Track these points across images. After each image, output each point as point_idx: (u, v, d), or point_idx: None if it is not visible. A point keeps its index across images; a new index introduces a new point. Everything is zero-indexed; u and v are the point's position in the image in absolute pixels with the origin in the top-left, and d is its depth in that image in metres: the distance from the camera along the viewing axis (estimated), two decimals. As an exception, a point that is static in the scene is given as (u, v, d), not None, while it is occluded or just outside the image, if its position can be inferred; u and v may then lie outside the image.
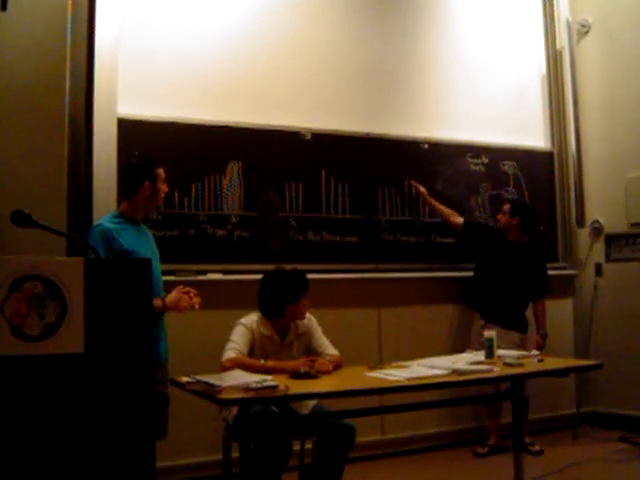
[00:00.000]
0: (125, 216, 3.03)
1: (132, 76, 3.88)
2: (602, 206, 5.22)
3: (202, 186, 4.03)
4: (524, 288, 4.52)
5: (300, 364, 3.00)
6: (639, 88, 5.00)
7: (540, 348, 4.25)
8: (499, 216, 4.64)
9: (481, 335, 3.70)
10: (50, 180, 3.39)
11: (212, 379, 2.62)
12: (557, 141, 5.31)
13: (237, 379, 2.65)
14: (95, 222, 3.16)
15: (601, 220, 5.21)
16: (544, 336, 4.49)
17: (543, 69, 5.38)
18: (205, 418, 3.49)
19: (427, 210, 4.70)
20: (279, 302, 3.22)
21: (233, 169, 4.13)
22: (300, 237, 4.30)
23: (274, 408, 3.04)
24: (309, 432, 3.16)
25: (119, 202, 3.31)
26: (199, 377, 2.67)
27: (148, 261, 2.02)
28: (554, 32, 5.36)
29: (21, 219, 2.12)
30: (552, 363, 3.39)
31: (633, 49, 5.04)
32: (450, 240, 4.76)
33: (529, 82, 5.32)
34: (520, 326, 4.46)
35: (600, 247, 5.22)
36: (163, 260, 3.20)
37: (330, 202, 4.41)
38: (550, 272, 4.70)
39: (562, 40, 5.33)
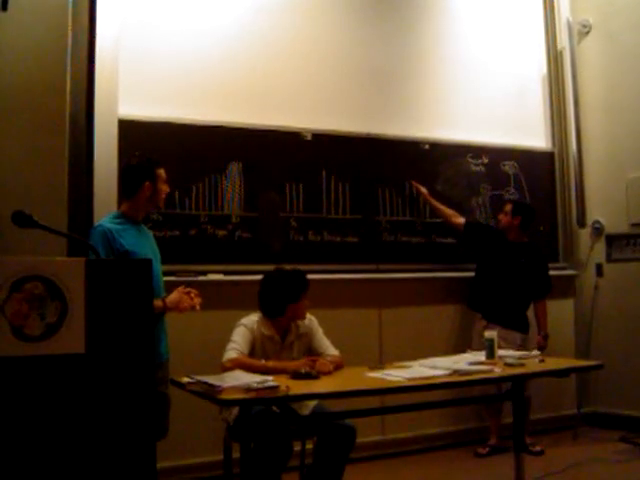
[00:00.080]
0: (126, 216, 3.02)
1: (132, 76, 3.88)
2: (603, 206, 5.21)
3: (202, 186, 4.03)
4: (525, 288, 4.51)
5: (301, 364, 3.00)
6: (640, 88, 5.01)
7: (541, 349, 4.24)
8: (500, 216, 4.63)
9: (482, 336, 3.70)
10: (51, 180, 3.39)
11: (213, 379, 2.61)
12: (558, 141, 5.30)
13: (238, 379, 2.65)
14: (96, 222, 3.15)
15: (602, 220, 5.21)
16: (545, 337, 4.49)
17: (544, 69, 5.38)
18: (206, 418, 3.48)
19: (428, 210, 4.69)
20: (280, 302, 3.22)
21: (233, 169, 4.13)
22: (300, 237, 4.30)
23: (275, 408, 3.04)
24: (310, 432, 3.16)
25: (120, 202, 3.31)
26: (200, 377, 2.66)
27: (149, 261, 2.01)
28: (555, 32, 5.36)
29: (22, 219, 2.12)
30: (553, 363, 3.38)
31: (634, 49, 5.04)
32: (451, 240, 4.76)
33: (530, 82, 5.32)
34: (522, 326, 4.46)
35: (601, 247, 5.21)
36: (164, 260, 3.20)
37: (330, 202, 4.41)
38: (551, 272, 4.69)
39: (563, 40, 5.32)
